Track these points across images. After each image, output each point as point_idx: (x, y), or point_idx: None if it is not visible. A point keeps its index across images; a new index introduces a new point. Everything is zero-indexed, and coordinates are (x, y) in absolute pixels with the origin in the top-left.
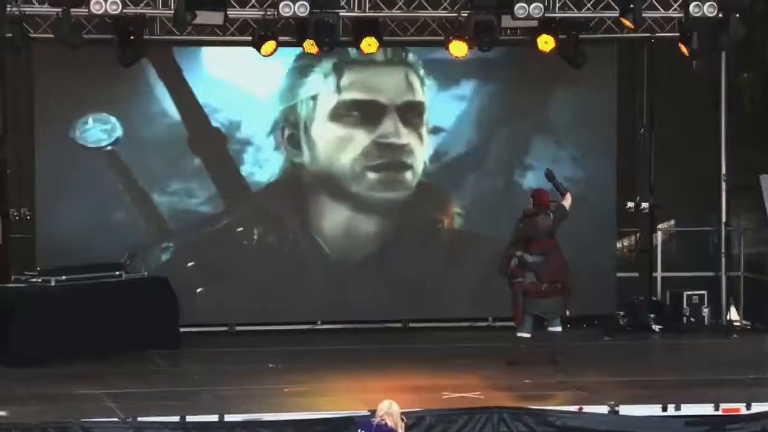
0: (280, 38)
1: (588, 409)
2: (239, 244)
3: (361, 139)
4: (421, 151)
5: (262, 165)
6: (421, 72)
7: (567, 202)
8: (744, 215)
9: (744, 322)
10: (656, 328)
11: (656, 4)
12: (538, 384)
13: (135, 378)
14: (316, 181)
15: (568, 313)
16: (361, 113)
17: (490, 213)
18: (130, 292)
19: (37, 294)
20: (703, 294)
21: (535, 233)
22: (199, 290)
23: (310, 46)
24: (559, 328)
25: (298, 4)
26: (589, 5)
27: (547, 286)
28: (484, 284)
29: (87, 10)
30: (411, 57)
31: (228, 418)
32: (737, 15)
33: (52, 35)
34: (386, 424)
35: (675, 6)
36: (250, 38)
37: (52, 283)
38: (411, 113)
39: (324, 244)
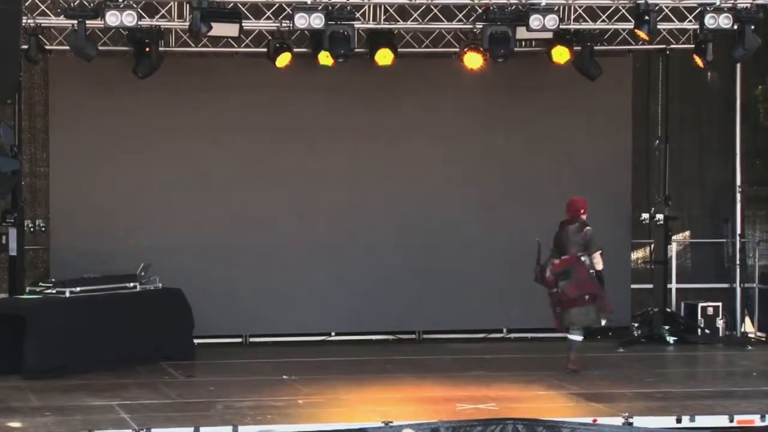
0: (295, 50)
1: (602, 420)
2: (253, 255)
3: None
4: (436, 161)
5: None
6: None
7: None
8: (759, 227)
9: (759, 333)
10: (671, 339)
11: (671, 15)
12: (552, 395)
13: (149, 389)
14: (331, 191)
15: (603, 323)
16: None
17: (505, 223)
18: (144, 303)
19: (52, 305)
20: (718, 305)
21: (564, 243)
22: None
23: (325, 58)
24: (576, 337)
25: (313, 15)
26: (604, 17)
27: (577, 298)
28: (498, 295)
29: (102, 22)
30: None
31: (242, 429)
32: (752, 27)
33: (67, 47)
34: None
35: (690, 18)
36: (265, 50)
37: (67, 295)
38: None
39: (337, 255)
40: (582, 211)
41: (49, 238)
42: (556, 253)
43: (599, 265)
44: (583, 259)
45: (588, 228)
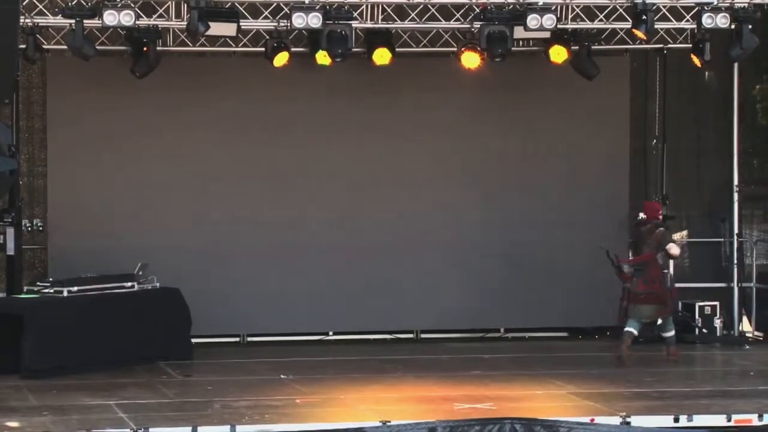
0: (293, 49)
1: (600, 420)
2: (250, 255)
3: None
4: (434, 161)
5: None
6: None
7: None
8: (756, 226)
9: (756, 333)
10: None
11: (669, 15)
12: (550, 395)
13: (147, 389)
14: (328, 191)
15: (659, 321)
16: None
17: (502, 223)
18: (142, 302)
19: (50, 305)
20: (716, 305)
21: (639, 242)
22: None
23: (322, 58)
24: (668, 333)
25: (311, 15)
26: (601, 16)
27: (644, 295)
28: (496, 295)
29: (100, 21)
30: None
31: (239, 429)
32: (750, 26)
33: (65, 46)
34: None
35: (687, 17)
36: (263, 49)
37: (65, 294)
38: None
39: (334, 254)
40: (659, 212)
41: (47, 237)
42: (634, 252)
43: (674, 250)
44: (658, 259)
45: (660, 229)
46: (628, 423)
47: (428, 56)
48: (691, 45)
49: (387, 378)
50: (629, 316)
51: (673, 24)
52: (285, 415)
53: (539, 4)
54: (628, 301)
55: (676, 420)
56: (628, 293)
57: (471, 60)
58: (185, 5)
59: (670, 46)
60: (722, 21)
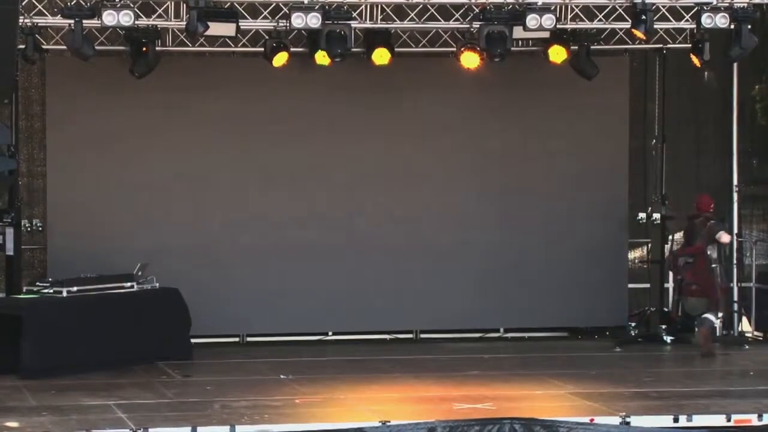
0: (292, 49)
1: (599, 420)
2: (250, 255)
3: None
4: (433, 161)
5: None
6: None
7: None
8: (755, 226)
9: (756, 333)
10: (667, 339)
11: (668, 15)
12: (549, 394)
13: (146, 389)
14: (328, 191)
15: (720, 314)
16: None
17: (502, 223)
18: (141, 302)
19: (49, 305)
20: None
21: (691, 236)
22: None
23: (321, 58)
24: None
25: (310, 15)
26: (601, 16)
27: (694, 286)
28: (495, 295)
29: (99, 21)
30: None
31: (239, 429)
32: (749, 26)
33: (64, 47)
34: None
35: (687, 17)
36: (262, 49)
37: (64, 294)
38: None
39: (334, 254)
40: (711, 206)
41: (46, 237)
42: (685, 245)
43: (724, 237)
44: (708, 252)
45: (712, 222)
46: (628, 423)
47: (428, 56)
48: (690, 45)
49: (386, 378)
50: (684, 310)
51: (673, 24)
52: (285, 415)
53: (538, 4)
54: (679, 294)
55: (676, 420)
56: (679, 286)
57: (470, 60)
58: (184, 5)
59: (669, 46)
60: (721, 21)
